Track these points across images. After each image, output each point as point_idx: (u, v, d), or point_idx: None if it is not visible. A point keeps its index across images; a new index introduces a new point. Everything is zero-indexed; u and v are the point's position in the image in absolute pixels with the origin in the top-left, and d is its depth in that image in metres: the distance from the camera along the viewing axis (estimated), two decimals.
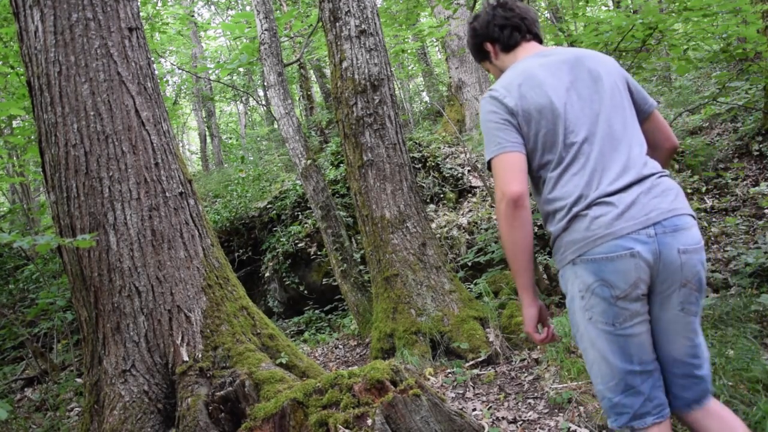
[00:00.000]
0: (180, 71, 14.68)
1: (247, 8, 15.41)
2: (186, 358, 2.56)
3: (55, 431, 3.56)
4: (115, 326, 2.61)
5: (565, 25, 10.71)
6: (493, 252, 4.88)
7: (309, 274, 6.89)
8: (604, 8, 13.43)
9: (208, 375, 2.54)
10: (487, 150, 1.60)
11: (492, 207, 6.49)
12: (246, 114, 20.12)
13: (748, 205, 5.07)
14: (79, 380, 4.37)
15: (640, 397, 1.48)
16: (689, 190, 5.59)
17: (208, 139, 16.72)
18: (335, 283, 5.96)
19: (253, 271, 7.56)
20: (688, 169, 5.81)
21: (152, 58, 3.48)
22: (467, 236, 6.16)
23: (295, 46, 11.74)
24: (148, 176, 2.70)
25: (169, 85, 15.87)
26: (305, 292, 6.87)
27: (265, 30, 5.67)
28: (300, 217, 7.27)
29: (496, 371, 3.31)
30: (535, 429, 2.54)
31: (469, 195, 7.06)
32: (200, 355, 2.58)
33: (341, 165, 7.68)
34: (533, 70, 1.60)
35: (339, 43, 4.14)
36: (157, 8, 10.07)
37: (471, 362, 3.44)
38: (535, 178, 1.63)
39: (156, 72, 2.99)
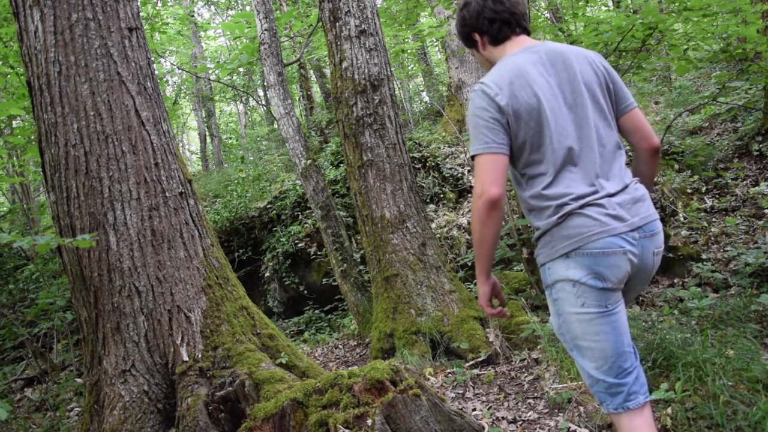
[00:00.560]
0: (180, 71, 14.68)
1: (247, 8, 15.41)
2: (186, 358, 2.56)
3: (55, 431, 3.56)
4: (115, 326, 2.61)
5: (565, 25, 10.71)
6: None
7: (309, 274, 6.89)
8: (604, 8, 13.43)
9: (208, 375, 2.54)
10: (473, 144, 1.63)
11: None
12: (246, 114, 20.12)
13: (748, 205, 5.07)
14: (79, 380, 4.37)
15: (631, 377, 1.60)
16: (689, 190, 5.59)
17: (208, 139, 16.72)
18: (335, 283, 5.96)
19: (253, 271, 7.56)
20: (688, 169, 5.81)
21: (152, 58, 3.48)
22: (467, 236, 6.16)
23: (295, 46, 11.74)
24: (148, 176, 2.70)
25: (169, 85, 15.87)
26: (305, 292, 6.87)
27: (265, 30, 5.67)
28: (300, 217, 7.27)
29: (496, 371, 3.31)
30: (535, 429, 2.54)
31: (469, 195, 7.07)
32: (200, 355, 2.58)
33: (341, 165, 7.67)
34: (524, 67, 1.62)
35: (339, 43, 4.14)
36: (157, 8, 10.07)
37: (471, 362, 3.44)
38: (521, 174, 1.67)
39: (156, 72, 2.99)
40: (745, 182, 5.44)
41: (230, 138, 19.81)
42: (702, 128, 6.77)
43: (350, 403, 2.11)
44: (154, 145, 2.76)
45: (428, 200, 6.95)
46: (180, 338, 2.60)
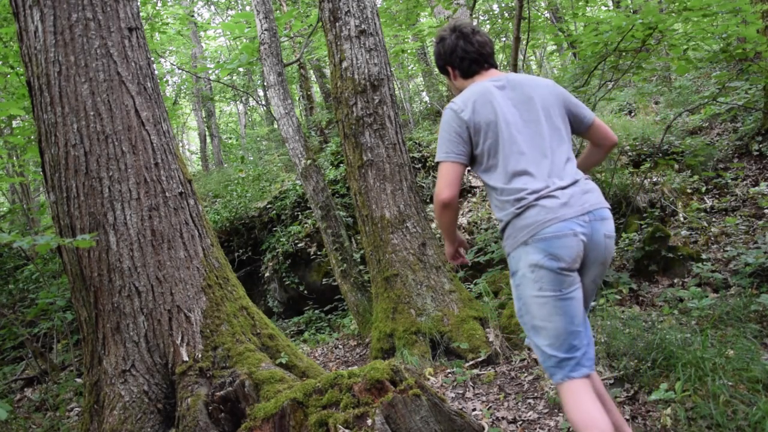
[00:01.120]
0: (180, 71, 14.68)
1: (247, 8, 15.41)
2: (186, 358, 2.56)
3: (55, 431, 3.56)
4: (115, 326, 2.61)
5: (565, 25, 10.71)
6: (493, 252, 4.88)
7: (309, 274, 6.89)
8: (604, 8, 13.43)
9: (208, 375, 2.54)
10: (438, 153, 1.97)
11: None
12: (246, 114, 20.12)
13: (748, 205, 5.07)
14: (79, 380, 4.36)
15: (579, 352, 1.82)
16: (689, 190, 5.59)
17: (208, 139, 16.72)
18: (335, 283, 5.96)
19: (253, 271, 7.56)
20: (688, 169, 5.81)
21: (152, 58, 3.48)
22: (467, 236, 6.16)
23: (295, 46, 11.74)
24: (148, 176, 2.70)
25: (169, 85, 15.87)
26: (305, 292, 6.87)
27: (265, 30, 5.67)
28: (300, 217, 7.27)
29: (496, 371, 3.31)
30: (535, 429, 2.54)
31: (469, 195, 7.07)
32: (200, 355, 2.58)
33: (341, 165, 7.67)
34: (488, 89, 1.96)
35: (339, 43, 4.14)
36: (157, 8, 10.07)
37: (471, 362, 3.44)
38: (484, 175, 1.98)
39: (156, 72, 2.99)
40: (745, 182, 5.44)
41: (230, 138, 19.81)
42: (702, 128, 6.77)
43: (350, 403, 2.11)
44: (154, 145, 2.76)
45: (428, 200, 6.95)
46: (180, 338, 2.60)
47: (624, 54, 3.74)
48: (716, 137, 6.39)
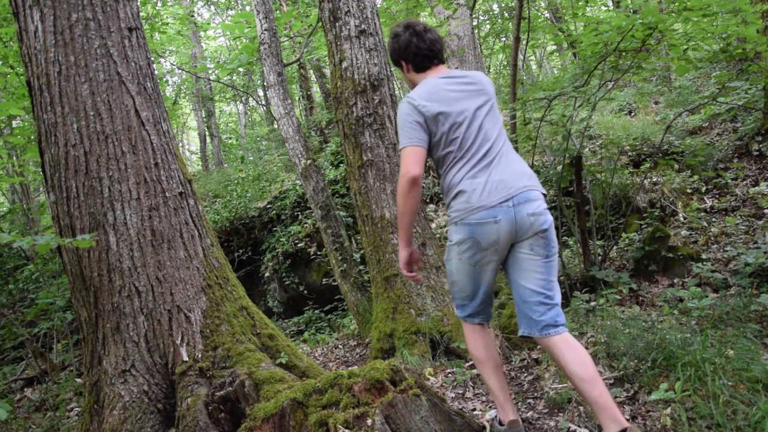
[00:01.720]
0: (180, 71, 14.68)
1: (247, 8, 15.40)
2: (186, 358, 2.56)
3: (55, 431, 3.56)
4: (115, 326, 2.61)
5: (565, 25, 10.71)
6: None
7: (309, 274, 6.89)
8: (604, 8, 13.43)
9: (208, 375, 2.54)
10: (401, 140, 2.16)
11: None
12: (246, 114, 20.12)
13: (747, 205, 5.07)
14: (78, 380, 4.36)
15: (477, 307, 2.28)
16: (689, 190, 5.59)
17: (208, 139, 16.71)
18: (335, 283, 5.96)
19: (253, 271, 7.56)
20: (688, 169, 5.81)
21: (152, 58, 3.48)
22: None
23: (295, 46, 11.73)
24: (147, 176, 2.70)
25: (169, 85, 15.86)
26: (305, 292, 6.87)
27: (265, 30, 5.67)
28: (300, 217, 7.27)
29: None
30: (535, 429, 2.54)
31: None
32: (200, 355, 2.58)
33: (341, 165, 7.67)
34: (440, 85, 2.21)
35: (339, 43, 4.14)
36: (157, 8, 10.07)
37: (471, 362, 3.44)
38: (437, 162, 2.23)
39: (156, 72, 2.99)
40: (745, 182, 5.44)
41: (230, 138, 19.81)
42: (702, 128, 6.77)
43: (350, 403, 2.11)
44: (154, 145, 2.76)
45: (428, 200, 6.95)
46: (180, 338, 2.60)
47: (624, 54, 3.74)
48: (716, 137, 6.39)
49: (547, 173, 4.80)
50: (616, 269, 4.46)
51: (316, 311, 6.57)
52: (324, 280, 6.65)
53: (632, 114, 8.33)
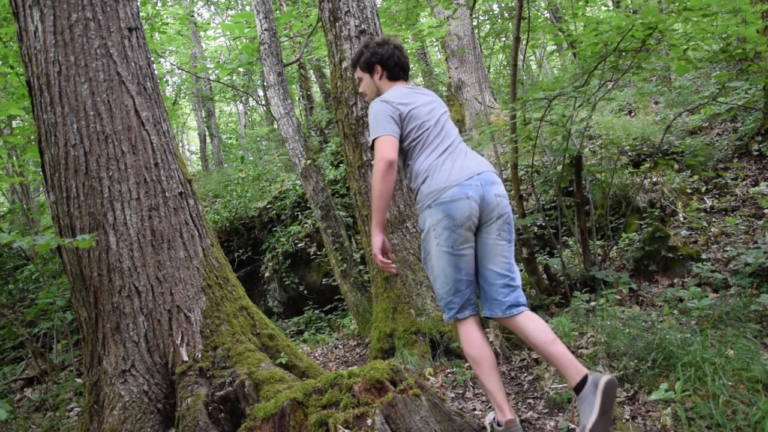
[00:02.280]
0: (180, 71, 14.68)
1: (247, 8, 15.40)
2: (186, 358, 2.56)
3: (54, 431, 3.56)
4: (115, 326, 2.61)
5: (565, 25, 10.71)
6: None
7: (309, 274, 6.89)
8: (604, 8, 13.43)
9: (208, 375, 2.54)
10: (375, 131, 2.34)
11: None
12: (246, 114, 20.12)
13: (747, 205, 5.07)
14: (78, 380, 4.36)
15: (463, 297, 2.32)
16: (689, 190, 5.59)
17: (208, 139, 16.71)
18: (335, 283, 5.96)
19: (253, 271, 7.56)
20: (688, 169, 5.81)
21: (152, 58, 3.48)
22: None
23: (295, 46, 11.73)
24: (147, 176, 2.70)
25: (168, 85, 15.86)
26: (305, 292, 6.87)
27: (265, 30, 5.67)
28: (300, 217, 7.27)
29: None
30: (535, 429, 2.54)
31: None
32: (200, 355, 2.58)
33: (341, 165, 7.67)
34: (410, 93, 2.48)
35: (339, 43, 4.14)
36: (157, 8, 10.07)
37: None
38: (405, 153, 2.42)
39: (156, 72, 2.99)
40: (744, 182, 5.44)
41: (230, 138, 19.81)
42: (702, 128, 6.77)
43: (350, 403, 2.11)
44: (154, 145, 2.76)
45: None
46: (180, 338, 2.60)
47: (624, 54, 3.74)
48: (716, 137, 6.39)
49: (547, 173, 4.80)
50: (616, 269, 4.46)
51: (316, 311, 6.57)
52: (324, 280, 6.65)
53: (632, 114, 8.33)
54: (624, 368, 2.69)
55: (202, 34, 17.75)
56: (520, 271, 4.66)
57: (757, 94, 5.68)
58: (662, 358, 2.59)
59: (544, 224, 5.21)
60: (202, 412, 2.36)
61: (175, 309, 2.63)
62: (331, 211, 5.40)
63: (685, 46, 3.90)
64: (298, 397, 2.20)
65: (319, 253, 6.75)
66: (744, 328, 2.89)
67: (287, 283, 6.92)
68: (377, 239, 2.40)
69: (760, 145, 5.67)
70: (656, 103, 8.56)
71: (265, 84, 5.91)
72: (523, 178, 5.91)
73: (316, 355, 4.97)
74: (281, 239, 7.02)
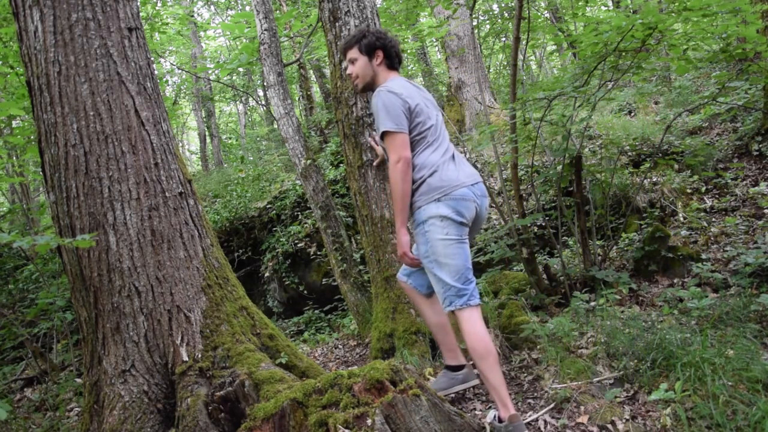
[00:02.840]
0: (180, 71, 14.67)
1: (247, 8, 15.40)
2: (186, 358, 2.56)
3: (54, 431, 3.56)
4: (115, 326, 2.61)
5: (565, 25, 10.71)
6: (493, 252, 4.87)
7: (309, 274, 6.89)
8: (604, 8, 13.43)
9: (208, 375, 2.54)
10: (387, 123, 2.39)
11: (491, 206, 6.48)
12: (246, 114, 20.12)
13: (747, 205, 5.07)
14: (78, 380, 4.36)
15: (472, 285, 2.44)
16: (689, 190, 5.59)
17: (208, 139, 16.71)
18: (335, 283, 5.96)
19: (252, 271, 7.56)
20: (688, 169, 5.81)
21: (152, 58, 3.48)
22: None
23: (295, 46, 11.73)
24: (147, 176, 2.70)
25: (168, 85, 15.86)
26: (305, 292, 6.87)
27: (265, 30, 5.67)
28: (300, 217, 7.27)
29: None
30: (535, 429, 2.54)
31: None
32: (200, 355, 2.58)
33: (341, 165, 7.67)
34: (409, 86, 2.54)
35: (339, 43, 4.13)
36: (157, 8, 10.07)
37: (470, 362, 3.44)
38: (410, 144, 2.47)
39: (156, 72, 2.99)
40: (744, 182, 5.44)
41: (230, 138, 19.81)
42: (702, 128, 6.77)
43: (350, 403, 2.11)
44: (154, 145, 2.76)
45: None
46: (180, 338, 2.60)
47: (624, 54, 3.74)
48: (716, 137, 6.39)
49: (547, 173, 4.80)
50: (616, 269, 4.47)
51: (316, 311, 6.57)
52: (324, 280, 6.65)
53: (632, 114, 8.33)
54: (624, 368, 2.69)
55: (202, 34, 17.75)
56: (521, 271, 4.67)
57: (757, 94, 5.68)
58: (662, 358, 2.59)
59: (544, 224, 5.21)
60: (202, 412, 2.36)
61: (175, 309, 2.63)
62: (331, 211, 5.40)
63: (685, 46, 3.90)
64: (298, 397, 2.20)
65: (319, 253, 6.75)
66: (744, 328, 2.89)
67: (287, 283, 6.92)
68: (405, 238, 2.49)
69: (760, 145, 5.67)
70: (656, 103, 8.56)
71: (265, 84, 5.91)
72: (523, 178, 5.91)
73: (316, 355, 4.97)
74: (281, 239, 7.02)
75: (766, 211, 4.85)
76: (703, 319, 3.18)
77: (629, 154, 6.19)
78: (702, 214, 5.14)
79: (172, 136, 2.94)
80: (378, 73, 2.63)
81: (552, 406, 2.64)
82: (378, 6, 8.06)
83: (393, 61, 2.64)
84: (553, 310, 3.86)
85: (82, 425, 2.64)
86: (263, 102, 14.25)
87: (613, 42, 3.57)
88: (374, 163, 3.94)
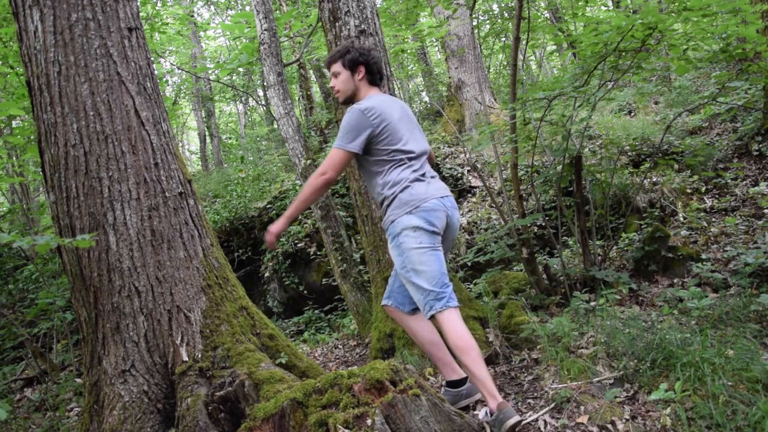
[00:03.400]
0: (180, 71, 14.68)
1: (247, 8, 15.40)
2: (186, 358, 2.56)
3: (54, 431, 3.56)
4: (115, 326, 2.61)
5: (565, 25, 10.71)
6: (493, 252, 4.88)
7: (309, 274, 6.89)
8: (604, 8, 13.43)
9: (208, 375, 2.54)
10: (340, 140, 2.52)
11: (491, 207, 6.48)
12: (246, 114, 20.12)
13: (747, 205, 5.07)
14: (78, 380, 4.36)
15: (449, 288, 2.52)
16: (689, 190, 5.59)
17: (208, 139, 16.72)
18: (335, 283, 5.96)
19: (252, 271, 7.56)
20: (688, 169, 5.81)
21: (152, 58, 3.48)
22: (467, 236, 6.16)
23: (295, 46, 11.73)
24: (147, 176, 2.70)
25: (168, 85, 15.86)
26: (305, 292, 6.87)
27: (265, 30, 5.67)
28: (300, 217, 7.27)
29: (495, 371, 3.30)
30: (535, 429, 2.54)
31: (469, 195, 7.07)
32: (200, 355, 2.58)
33: None
34: (386, 101, 2.62)
35: (339, 43, 4.13)
36: (157, 8, 10.07)
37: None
38: (376, 162, 2.58)
39: (156, 72, 2.99)
40: (744, 182, 5.44)
41: (230, 138, 19.81)
42: (702, 128, 6.77)
43: (350, 403, 2.11)
44: (154, 145, 2.76)
45: None
46: (180, 338, 2.60)
47: (624, 54, 3.74)
48: (716, 137, 6.39)
49: (547, 173, 4.80)
50: (616, 269, 4.47)
51: (316, 311, 6.57)
52: (324, 280, 6.65)
53: (632, 114, 8.33)
54: (624, 368, 2.69)
55: (202, 34, 17.75)
56: (521, 271, 4.67)
57: (757, 94, 5.68)
58: (662, 358, 2.59)
59: (544, 224, 5.21)
60: (202, 412, 2.36)
61: (175, 309, 2.63)
62: (330, 211, 5.40)
63: (685, 46, 3.90)
64: (298, 397, 2.20)
65: (319, 253, 6.75)
66: (744, 328, 2.89)
67: (287, 283, 6.92)
68: (281, 227, 2.59)
69: (760, 145, 5.67)
70: (656, 103, 8.56)
71: (265, 84, 5.91)
72: (523, 178, 5.91)
73: (316, 355, 4.97)
74: (281, 239, 7.02)
75: (766, 211, 4.85)
76: (703, 319, 3.18)
77: (629, 154, 6.19)
78: (702, 214, 5.14)
79: (172, 136, 2.94)
80: (359, 87, 2.72)
81: (552, 406, 2.64)
82: (378, 6, 8.06)
83: (375, 77, 2.73)
84: (553, 310, 3.86)
85: (82, 425, 2.64)
86: (263, 102, 14.25)
87: (613, 42, 3.56)
88: None
